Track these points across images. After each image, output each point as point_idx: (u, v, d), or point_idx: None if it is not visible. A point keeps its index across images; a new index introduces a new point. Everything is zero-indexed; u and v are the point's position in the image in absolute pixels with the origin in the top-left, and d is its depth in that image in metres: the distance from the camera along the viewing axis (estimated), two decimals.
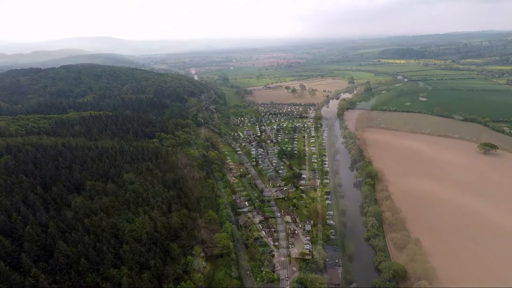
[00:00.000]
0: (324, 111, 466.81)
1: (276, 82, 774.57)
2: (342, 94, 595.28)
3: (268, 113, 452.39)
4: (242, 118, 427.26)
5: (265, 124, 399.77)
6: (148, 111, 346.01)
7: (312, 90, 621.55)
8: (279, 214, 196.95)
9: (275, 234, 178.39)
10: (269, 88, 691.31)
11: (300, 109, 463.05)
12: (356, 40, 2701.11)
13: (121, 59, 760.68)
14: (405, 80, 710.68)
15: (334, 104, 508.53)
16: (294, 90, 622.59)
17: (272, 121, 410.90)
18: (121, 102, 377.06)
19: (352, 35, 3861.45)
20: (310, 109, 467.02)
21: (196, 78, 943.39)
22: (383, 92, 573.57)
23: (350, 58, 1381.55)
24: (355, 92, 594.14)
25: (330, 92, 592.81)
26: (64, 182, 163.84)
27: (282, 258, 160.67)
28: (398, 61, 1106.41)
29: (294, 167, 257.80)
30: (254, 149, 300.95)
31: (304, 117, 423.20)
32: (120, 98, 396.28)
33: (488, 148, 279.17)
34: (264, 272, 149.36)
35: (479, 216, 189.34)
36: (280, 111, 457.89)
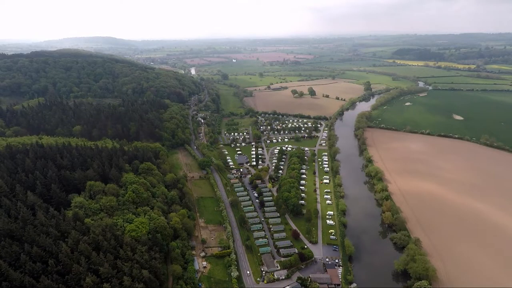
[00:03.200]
0: (338, 126, 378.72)
1: (281, 82, 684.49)
2: (358, 103, 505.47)
3: (269, 126, 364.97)
4: (236, 134, 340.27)
5: (264, 144, 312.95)
6: (107, 127, 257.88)
7: (323, 96, 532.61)
8: None
9: None
10: (273, 89, 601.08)
11: (309, 124, 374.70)
12: (366, 36, 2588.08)
13: (120, 59, 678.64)
14: (429, 88, 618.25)
15: (349, 117, 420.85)
16: (301, 95, 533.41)
17: (274, 140, 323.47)
18: (70, 113, 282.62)
19: (361, 31, 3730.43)
20: (321, 124, 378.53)
21: (193, 73, 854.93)
22: (407, 104, 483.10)
23: (362, 56, 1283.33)
24: (373, 102, 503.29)
25: (344, 100, 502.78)
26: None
27: None
28: (415, 63, 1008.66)
29: (300, 235, 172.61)
30: (244, 194, 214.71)
31: (314, 136, 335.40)
32: (72, 107, 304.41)
33: None
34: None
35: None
36: (284, 125, 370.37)
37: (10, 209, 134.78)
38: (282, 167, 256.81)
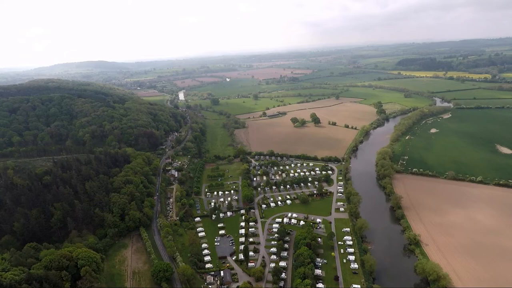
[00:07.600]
0: (354, 170, 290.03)
1: (279, 106, 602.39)
2: (372, 130, 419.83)
3: (264, 177, 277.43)
4: (220, 193, 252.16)
5: (258, 211, 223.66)
6: (12, 218, 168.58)
7: (329, 123, 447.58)
8: None
9: None
10: (269, 116, 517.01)
11: (317, 170, 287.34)
12: (363, 47, 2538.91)
13: (98, 89, 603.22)
14: (451, 106, 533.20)
15: (365, 153, 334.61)
16: (303, 123, 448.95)
17: (271, 203, 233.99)
18: None
19: (358, 42, 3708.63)
20: (332, 169, 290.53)
21: (182, 98, 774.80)
22: (432, 130, 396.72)
23: (363, 68, 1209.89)
24: (389, 127, 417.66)
25: (355, 128, 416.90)
26: None
27: None
28: (423, 74, 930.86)
29: None
30: None
31: (326, 194, 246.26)
32: None
33: None
34: None
35: None
36: (285, 173, 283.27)
37: None
38: (285, 264, 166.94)
